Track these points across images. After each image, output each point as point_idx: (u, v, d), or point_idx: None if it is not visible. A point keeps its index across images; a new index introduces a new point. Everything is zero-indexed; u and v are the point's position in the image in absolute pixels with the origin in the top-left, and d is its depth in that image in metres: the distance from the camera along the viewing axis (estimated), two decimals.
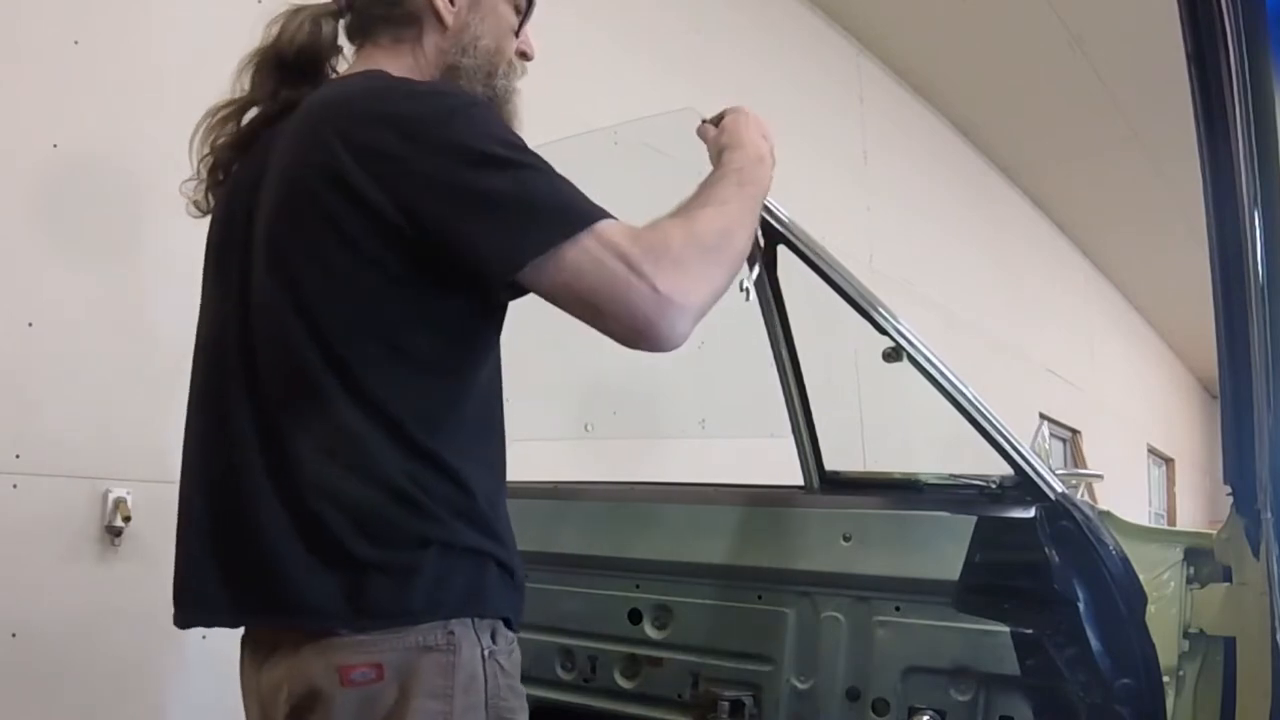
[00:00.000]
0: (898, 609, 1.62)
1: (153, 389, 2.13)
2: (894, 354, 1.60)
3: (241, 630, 1.12)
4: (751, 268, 1.56)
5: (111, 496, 2.13)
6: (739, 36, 4.25)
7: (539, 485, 1.98)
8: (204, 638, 1.81)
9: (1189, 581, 1.88)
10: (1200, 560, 1.86)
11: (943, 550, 1.57)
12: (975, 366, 4.80)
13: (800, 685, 1.69)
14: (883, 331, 1.60)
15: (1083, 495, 2.29)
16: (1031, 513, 1.52)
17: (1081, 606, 1.45)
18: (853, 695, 1.64)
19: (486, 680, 1.01)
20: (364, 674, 0.97)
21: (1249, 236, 1.33)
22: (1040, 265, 7.48)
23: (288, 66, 1.17)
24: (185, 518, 1.09)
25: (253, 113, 1.18)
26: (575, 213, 0.98)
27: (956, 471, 1.66)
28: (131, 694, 2.16)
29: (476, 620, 1.02)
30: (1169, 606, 1.85)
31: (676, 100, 1.79)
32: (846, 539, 1.69)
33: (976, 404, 1.56)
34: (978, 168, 6.48)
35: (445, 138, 0.98)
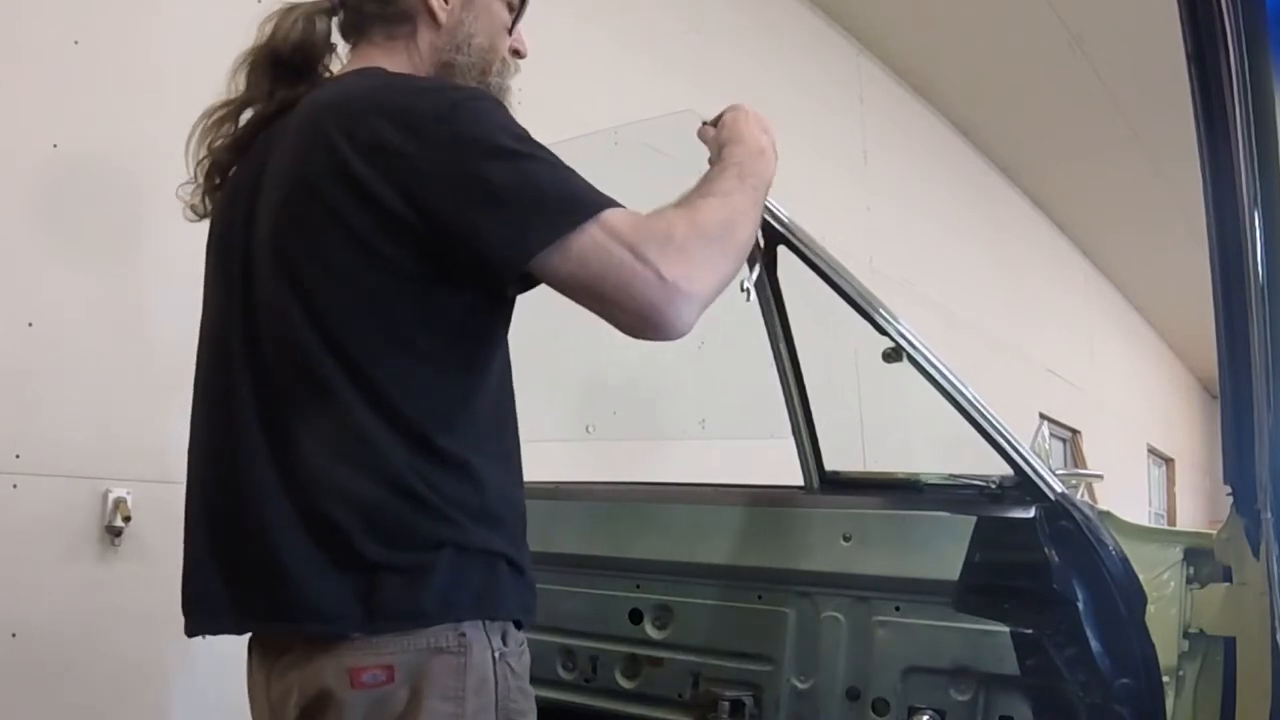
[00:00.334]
0: (898, 609, 1.62)
1: (153, 389, 2.13)
2: (894, 354, 1.60)
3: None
4: (751, 268, 1.57)
5: (111, 496, 2.13)
6: (739, 36, 4.25)
7: (539, 485, 1.97)
8: (204, 638, 1.81)
9: (1189, 581, 1.88)
10: (1200, 560, 1.86)
11: (943, 550, 1.57)
12: (975, 366, 4.80)
13: (800, 685, 1.69)
14: (883, 332, 1.60)
15: (1083, 495, 2.29)
16: (1031, 513, 1.52)
17: (1081, 606, 1.45)
18: (853, 695, 1.64)
19: (497, 682, 1.01)
20: (375, 676, 0.97)
21: (1249, 236, 1.33)
22: (1040, 265, 7.48)
23: (283, 65, 1.17)
24: (196, 525, 1.09)
25: (249, 113, 1.18)
26: (581, 202, 0.98)
27: (956, 471, 1.66)
28: (132, 694, 2.16)
29: (488, 622, 1.02)
30: (1169, 606, 1.85)
31: (676, 100, 1.79)
32: (846, 539, 1.69)
33: (976, 404, 1.56)
34: (978, 168, 6.48)
35: (451, 131, 0.98)
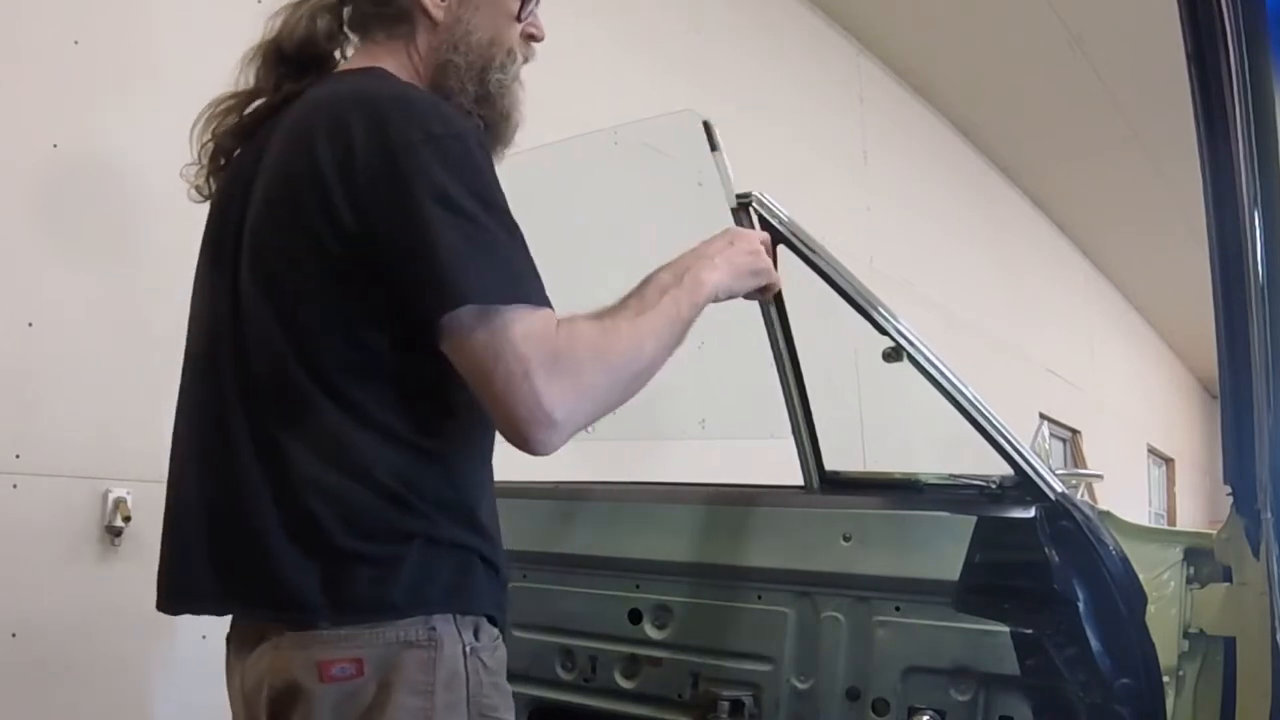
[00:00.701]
0: (898, 609, 1.62)
1: (153, 389, 2.13)
2: (894, 354, 1.60)
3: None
4: None
5: (111, 496, 2.13)
6: (739, 36, 4.25)
7: (539, 485, 1.98)
8: (204, 637, 1.81)
9: (1189, 581, 1.88)
10: (1200, 560, 1.86)
11: (943, 550, 1.57)
12: (975, 366, 4.80)
13: (800, 685, 1.69)
14: (883, 331, 1.60)
15: (1083, 495, 2.30)
16: (1031, 513, 1.51)
17: (1081, 606, 1.45)
18: (853, 695, 1.64)
19: (468, 677, 1.01)
20: (344, 669, 0.97)
21: (1249, 236, 1.33)
22: (1040, 265, 7.48)
23: (289, 60, 1.17)
24: (177, 511, 1.10)
25: (256, 104, 1.18)
26: (502, 288, 0.95)
27: (956, 471, 1.66)
28: (132, 693, 2.16)
29: (459, 616, 1.02)
30: (1169, 606, 1.85)
31: (676, 100, 1.79)
32: (846, 539, 1.69)
33: (976, 404, 1.56)
34: (978, 168, 6.48)
35: (415, 162, 0.96)
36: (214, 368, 1.08)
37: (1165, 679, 1.50)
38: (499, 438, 1.01)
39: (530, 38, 1.23)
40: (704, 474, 2.29)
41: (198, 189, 1.20)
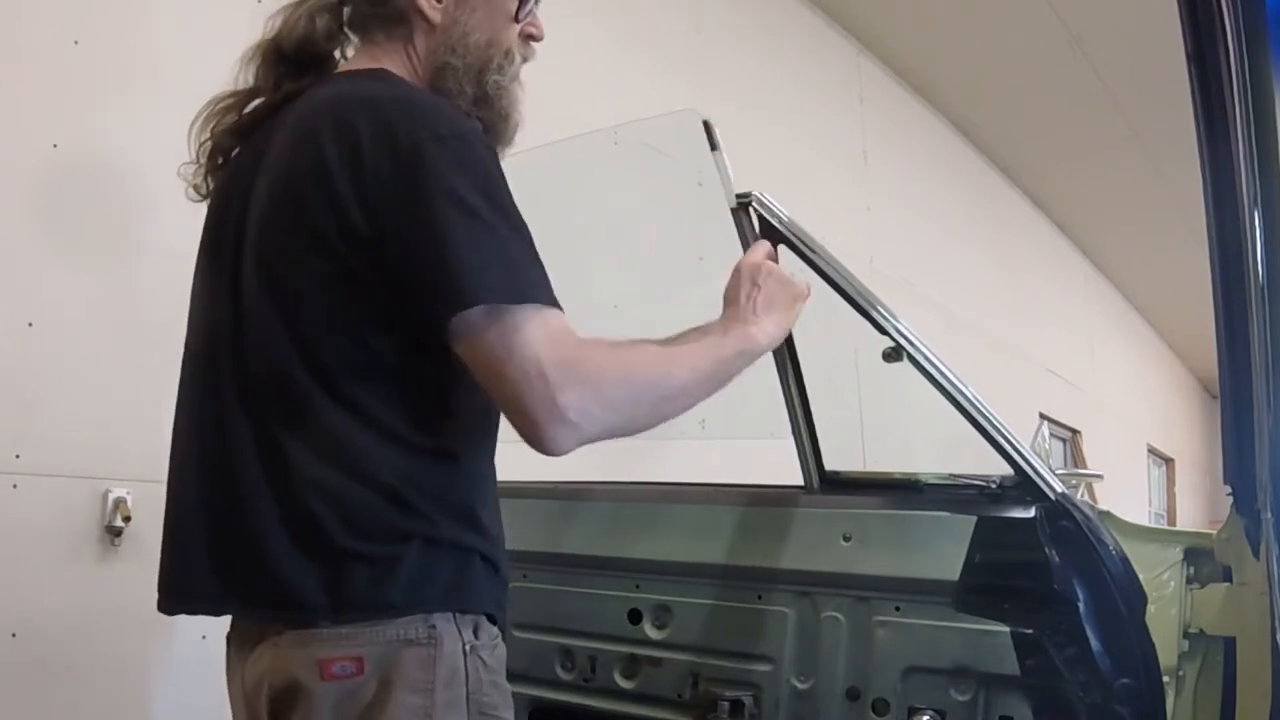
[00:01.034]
0: (898, 609, 1.62)
1: (153, 389, 2.12)
2: (894, 354, 1.60)
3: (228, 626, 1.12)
4: None
5: (111, 496, 2.13)
6: (739, 36, 4.25)
7: (539, 485, 1.98)
8: (204, 637, 1.81)
9: (1189, 581, 1.88)
10: (1200, 560, 1.86)
11: (943, 550, 1.57)
12: (975, 366, 4.80)
13: (800, 685, 1.69)
14: (883, 331, 1.60)
15: (1083, 495, 2.30)
16: (1031, 513, 1.51)
17: (1081, 606, 1.45)
18: (853, 695, 1.64)
19: (468, 675, 1.01)
20: (344, 667, 0.97)
21: (1249, 236, 1.33)
22: (1040, 265, 7.48)
23: (288, 60, 1.17)
24: (177, 511, 1.10)
25: (255, 103, 1.18)
26: (518, 288, 0.95)
27: (956, 471, 1.66)
28: (132, 693, 2.16)
29: (459, 615, 1.02)
30: (1169, 606, 1.85)
31: (676, 100, 1.79)
32: (846, 539, 1.69)
33: (976, 404, 1.56)
34: (978, 168, 6.48)
35: (425, 164, 0.97)
36: (214, 367, 1.08)
37: (1165, 679, 1.50)
38: (516, 437, 1.01)
39: (529, 37, 1.23)
40: (704, 474, 2.29)
41: (195, 188, 1.20)
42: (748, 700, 1.72)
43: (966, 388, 1.57)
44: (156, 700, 2.20)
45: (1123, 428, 9.30)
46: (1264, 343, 1.35)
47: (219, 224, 1.14)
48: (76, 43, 2.17)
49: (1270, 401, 1.36)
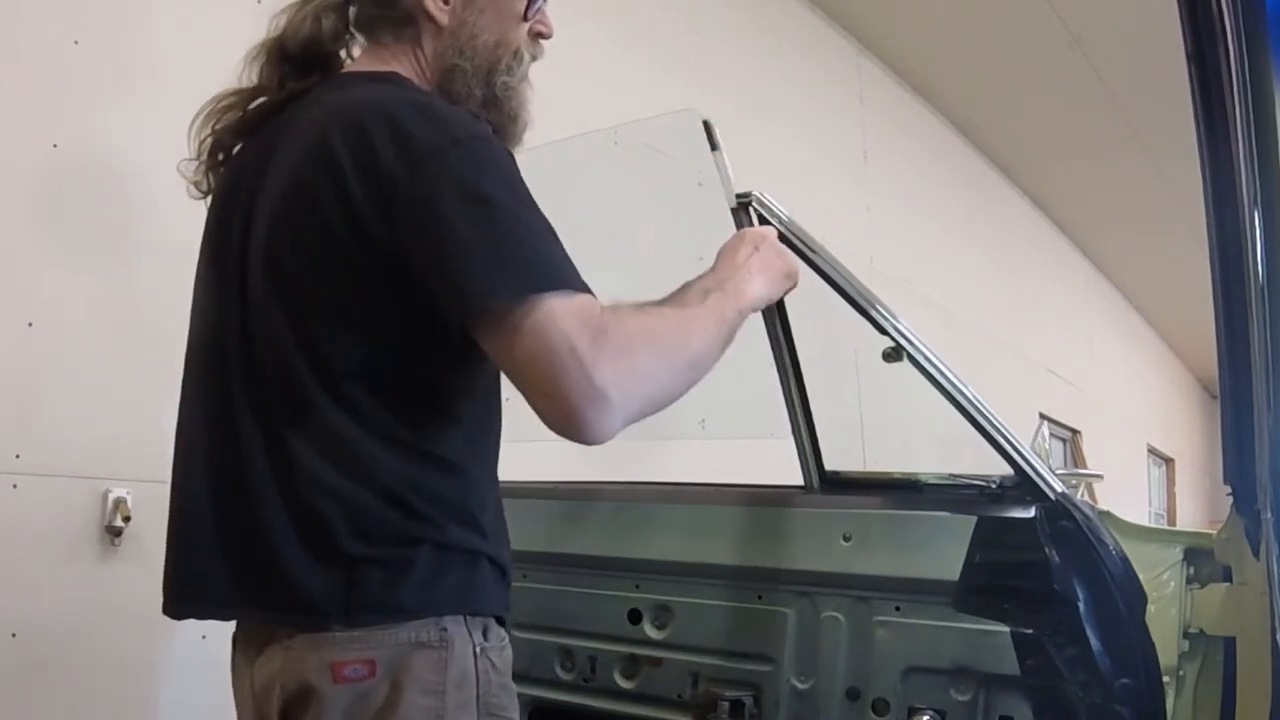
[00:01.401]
0: (898, 609, 1.62)
1: (153, 389, 2.13)
2: (894, 354, 1.60)
3: (233, 628, 1.12)
4: None
5: (111, 496, 2.13)
6: (739, 36, 4.25)
7: (539, 485, 1.98)
8: (204, 638, 1.81)
9: (1189, 581, 1.88)
10: (1200, 560, 1.86)
11: (943, 550, 1.57)
12: (975, 366, 4.80)
13: (800, 685, 1.69)
14: (883, 331, 1.60)
15: (1083, 495, 2.29)
16: (1031, 513, 1.51)
17: (1081, 606, 1.45)
18: (853, 695, 1.64)
19: (478, 677, 1.02)
20: (356, 670, 0.97)
21: (1249, 236, 1.33)
22: (1040, 265, 7.48)
23: (293, 59, 1.16)
24: (185, 512, 1.09)
25: (259, 101, 1.17)
26: (541, 272, 0.94)
27: (956, 471, 1.66)
28: (131, 693, 2.16)
29: (469, 617, 1.02)
30: (1169, 606, 1.85)
31: (676, 100, 1.79)
32: (846, 539, 1.69)
33: (976, 404, 1.56)
34: (978, 168, 6.48)
35: (441, 166, 0.97)
36: (221, 364, 1.07)
37: (1165, 679, 1.50)
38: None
39: (539, 35, 1.22)
40: (704, 474, 2.29)
41: (196, 185, 1.20)
42: (748, 700, 1.72)
43: (966, 388, 1.57)
44: (157, 700, 2.20)
45: (1123, 428, 9.30)
46: (1264, 343, 1.35)
47: (223, 223, 1.13)
48: (76, 43, 2.17)
49: (1270, 401, 1.36)
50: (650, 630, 1.87)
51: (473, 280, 0.94)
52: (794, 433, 1.84)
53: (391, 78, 1.12)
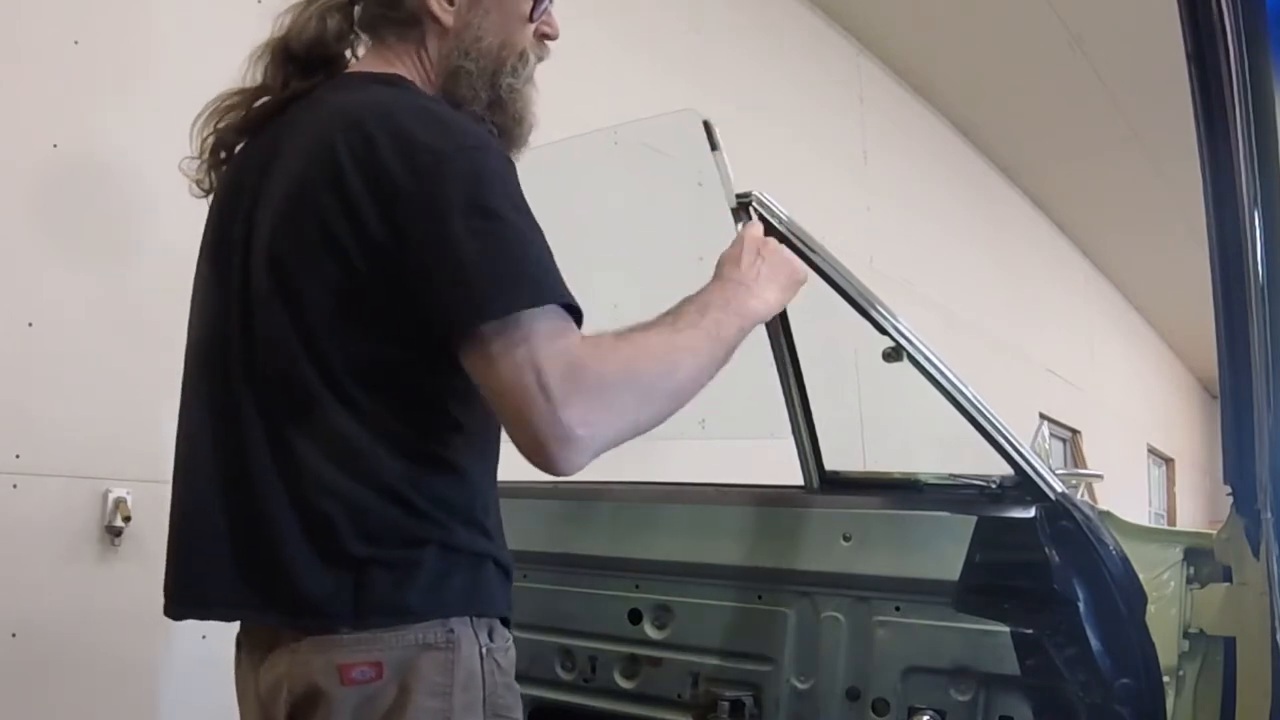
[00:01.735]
0: (898, 609, 1.62)
1: (153, 389, 2.13)
2: (894, 354, 1.60)
3: (235, 629, 1.12)
4: None
5: (111, 496, 2.13)
6: (739, 36, 4.25)
7: (539, 485, 1.98)
8: (204, 638, 1.81)
9: (1189, 581, 1.88)
10: (1200, 560, 1.86)
11: (943, 550, 1.57)
12: (975, 366, 4.80)
13: (800, 685, 1.69)
14: (883, 331, 1.60)
15: (1083, 495, 2.29)
16: (1031, 513, 1.52)
17: (1081, 606, 1.45)
18: (853, 695, 1.64)
19: (485, 678, 1.02)
20: (364, 672, 0.97)
21: (1249, 236, 1.33)
22: (1040, 265, 7.48)
23: (297, 59, 1.16)
24: (188, 512, 1.09)
25: (263, 100, 1.17)
26: (524, 289, 0.94)
27: (956, 471, 1.66)
28: (131, 694, 2.16)
29: (475, 619, 1.03)
30: (1169, 606, 1.85)
31: (676, 100, 1.79)
32: (846, 539, 1.69)
33: (976, 404, 1.56)
34: (978, 168, 6.47)
35: (443, 175, 0.96)
36: (223, 363, 1.07)
37: (1165, 679, 1.50)
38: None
39: (544, 37, 1.22)
40: (704, 474, 2.29)
41: (197, 183, 1.20)
42: (748, 700, 1.72)
43: (966, 388, 1.57)
44: (157, 700, 2.20)
45: (1123, 428, 9.30)
46: (1264, 343, 1.35)
47: (225, 222, 1.13)
48: (76, 43, 2.17)
49: (1270, 401, 1.36)
50: (650, 630, 1.87)
51: (459, 302, 0.94)
52: (794, 433, 1.84)
53: (396, 80, 1.12)
